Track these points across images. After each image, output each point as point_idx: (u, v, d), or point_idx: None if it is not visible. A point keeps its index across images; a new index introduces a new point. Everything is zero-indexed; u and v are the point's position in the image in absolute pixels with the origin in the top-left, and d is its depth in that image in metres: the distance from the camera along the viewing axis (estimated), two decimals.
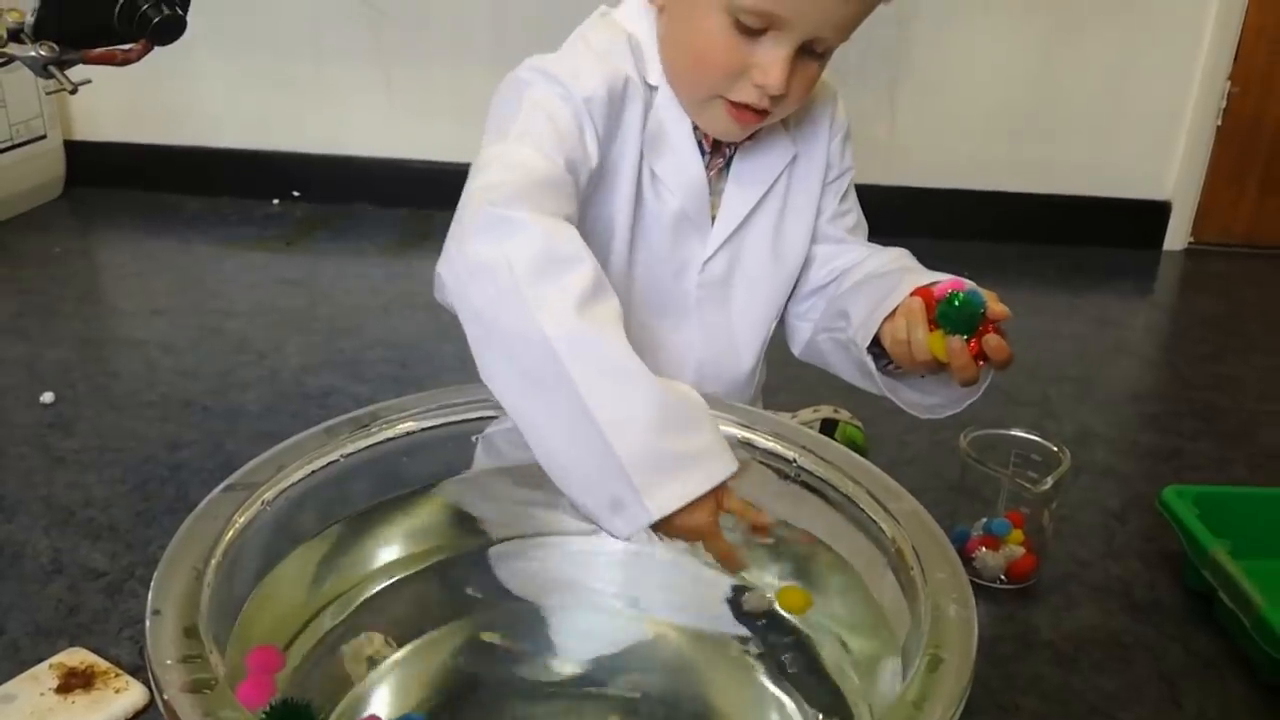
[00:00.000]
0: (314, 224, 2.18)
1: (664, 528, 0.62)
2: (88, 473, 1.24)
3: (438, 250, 0.70)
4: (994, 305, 0.77)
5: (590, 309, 0.63)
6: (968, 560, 1.10)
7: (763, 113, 0.79)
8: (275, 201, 2.29)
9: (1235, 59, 2.10)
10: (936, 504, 1.15)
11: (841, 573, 0.69)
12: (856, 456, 0.71)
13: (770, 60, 0.74)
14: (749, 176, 0.88)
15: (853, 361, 0.88)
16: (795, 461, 0.72)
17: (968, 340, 0.76)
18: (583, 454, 0.61)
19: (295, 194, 2.30)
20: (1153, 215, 2.21)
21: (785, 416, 1.27)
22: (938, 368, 0.79)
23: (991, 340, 0.75)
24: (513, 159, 0.71)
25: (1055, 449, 1.11)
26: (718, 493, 0.62)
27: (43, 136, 2.17)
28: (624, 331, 0.64)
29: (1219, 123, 2.14)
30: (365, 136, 2.26)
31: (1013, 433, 1.13)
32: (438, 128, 2.20)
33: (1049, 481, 1.06)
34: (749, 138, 0.87)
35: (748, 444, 0.74)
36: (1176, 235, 2.22)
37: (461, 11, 2.14)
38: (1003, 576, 1.09)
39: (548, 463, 0.63)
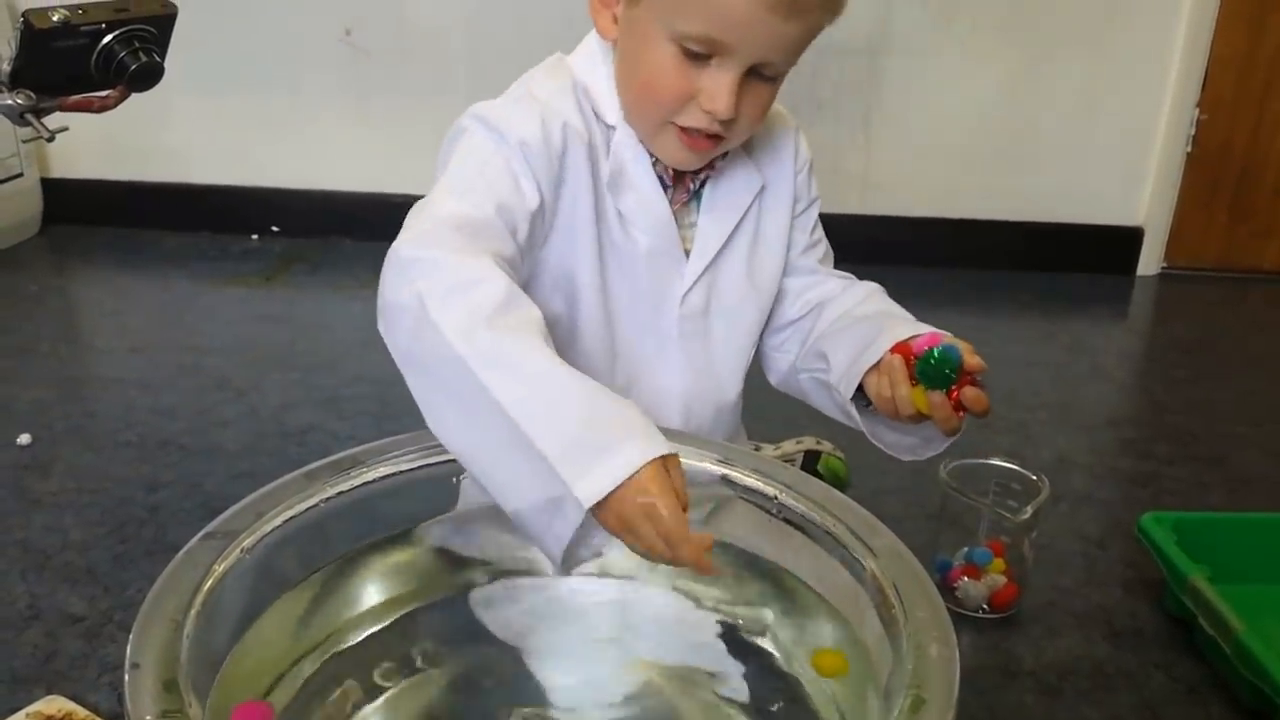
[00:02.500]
0: (292, 259, 2.18)
1: (608, 519, 0.59)
2: (65, 515, 1.23)
3: None
4: (969, 358, 0.78)
5: (499, 320, 0.63)
6: (950, 590, 1.10)
7: (715, 138, 0.80)
8: (254, 237, 2.29)
9: (1203, 87, 2.13)
10: (918, 533, 1.17)
11: (825, 611, 0.69)
12: (837, 493, 0.71)
13: (717, 85, 0.76)
14: (721, 208, 0.89)
15: (834, 402, 0.89)
16: (776, 499, 0.72)
17: (947, 393, 0.78)
18: (511, 460, 0.60)
19: (274, 229, 2.30)
20: (1125, 241, 2.24)
21: (768, 448, 1.28)
22: (921, 419, 0.80)
23: (969, 393, 0.78)
24: (435, 211, 0.73)
25: (1034, 477, 1.12)
26: (659, 470, 0.58)
27: (19, 175, 2.17)
28: (540, 335, 0.64)
29: (1189, 149, 2.17)
30: (343, 171, 2.27)
31: (992, 462, 1.14)
32: (415, 161, 2.19)
33: (1029, 510, 1.07)
34: (712, 168, 0.88)
35: (729, 481, 0.74)
36: (1149, 260, 2.25)
37: (438, 46, 2.15)
38: (985, 606, 1.09)
39: (486, 483, 0.62)
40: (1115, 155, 2.19)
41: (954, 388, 0.78)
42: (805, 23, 0.75)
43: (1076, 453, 1.46)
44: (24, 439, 1.39)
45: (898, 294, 0.94)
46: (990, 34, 2.10)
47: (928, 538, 1.16)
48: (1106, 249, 2.25)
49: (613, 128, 0.84)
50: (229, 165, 2.29)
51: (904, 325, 0.85)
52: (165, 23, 0.81)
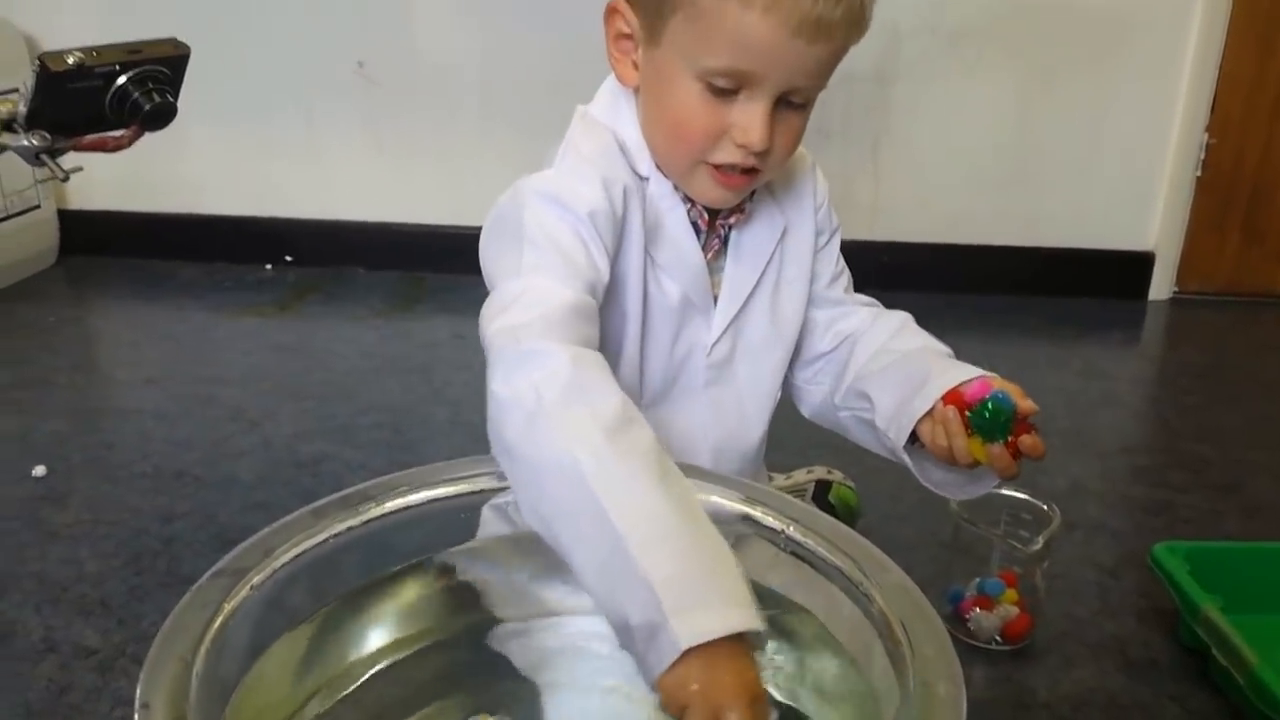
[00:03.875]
0: (306, 288, 2.19)
1: (693, 677, 0.54)
2: (80, 547, 1.24)
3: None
4: (1022, 403, 0.77)
5: (620, 437, 0.62)
6: (962, 621, 1.10)
7: (750, 171, 0.79)
8: (268, 266, 2.31)
9: (1212, 110, 2.13)
10: (930, 562, 1.17)
11: (832, 647, 0.69)
12: (844, 528, 0.71)
13: (749, 118, 0.75)
14: (747, 255, 0.88)
15: (880, 442, 0.89)
16: (784, 533, 0.72)
17: (1005, 442, 0.78)
18: (618, 580, 0.57)
19: (288, 258, 2.32)
20: (1136, 266, 2.24)
21: (779, 477, 1.28)
22: (977, 464, 0.80)
23: (1027, 441, 0.78)
24: (534, 296, 0.71)
25: (1045, 507, 1.11)
26: (747, 652, 0.56)
27: (36, 207, 2.20)
28: (657, 460, 0.62)
29: (1198, 173, 2.17)
30: (356, 200, 2.29)
31: (1003, 492, 1.14)
32: (428, 191, 2.23)
33: (1040, 541, 1.07)
34: (740, 210, 0.87)
35: (743, 517, 0.74)
36: (1161, 285, 2.24)
37: (450, 79, 2.17)
38: (998, 638, 1.09)
39: (587, 586, 0.60)
40: (1125, 179, 2.19)
41: (1011, 436, 0.78)
42: (832, 45, 0.74)
43: (1089, 480, 1.46)
44: (40, 470, 1.41)
45: (925, 330, 0.94)
46: (998, 60, 2.10)
47: (940, 567, 1.15)
48: (1117, 274, 2.25)
49: (646, 179, 0.83)
50: (243, 195, 2.31)
51: (951, 367, 0.84)
52: (179, 63, 0.82)
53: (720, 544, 0.60)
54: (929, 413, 0.81)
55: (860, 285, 1.00)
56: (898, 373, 0.87)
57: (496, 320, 0.69)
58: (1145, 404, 1.84)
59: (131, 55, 0.79)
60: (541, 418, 0.62)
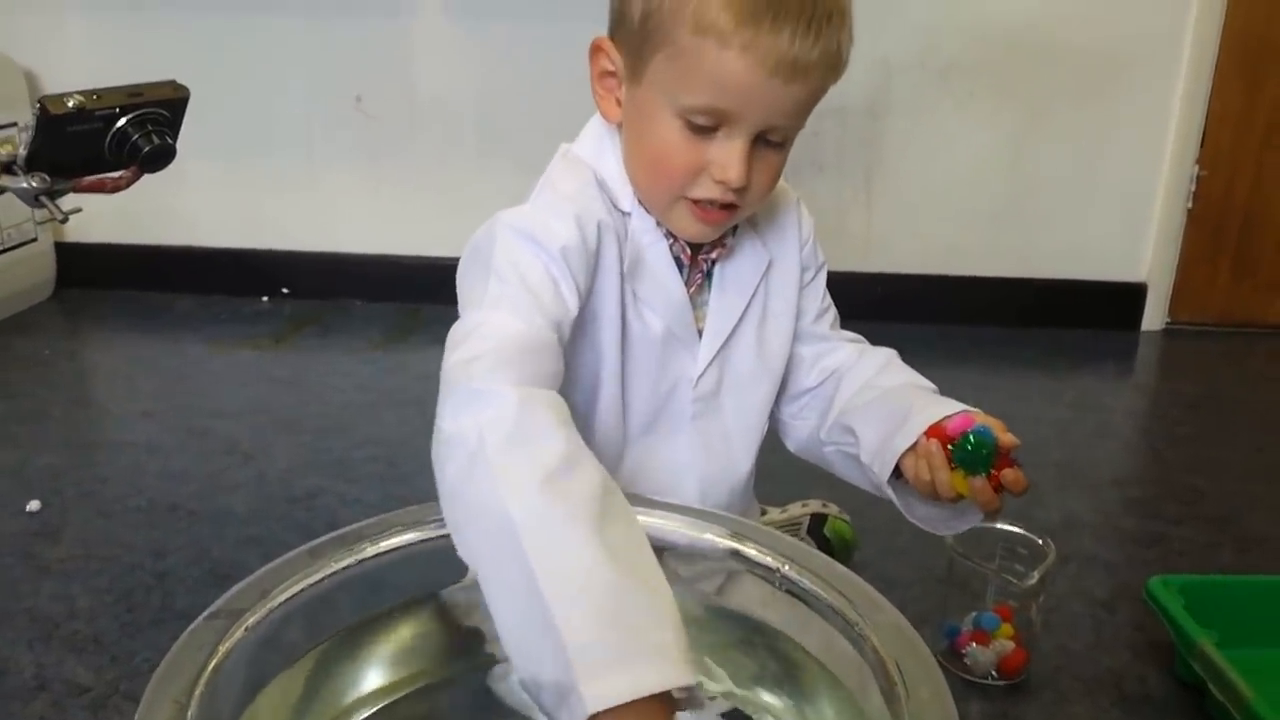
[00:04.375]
0: (303, 321, 2.20)
1: None
2: (73, 583, 1.23)
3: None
4: (1003, 436, 0.78)
5: (559, 483, 0.60)
6: (958, 656, 1.09)
7: (728, 208, 0.80)
8: (264, 299, 2.31)
9: (1202, 143, 2.15)
10: (927, 597, 1.17)
11: (829, 685, 0.69)
12: (839, 566, 0.71)
13: (727, 155, 0.76)
14: (731, 288, 0.89)
15: (865, 477, 0.89)
16: (779, 571, 0.72)
17: (987, 476, 0.78)
18: (533, 636, 0.56)
19: (284, 291, 2.33)
20: (1129, 297, 2.25)
21: (774, 510, 1.28)
22: (960, 499, 0.81)
23: (1009, 475, 0.78)
24: (489, 329, 0.71)
25: (1040, 541, 1.11)
26: (665, 711, 0.54)
27: (34, 240, 2.20)
28: (596, 505, 0.60)
29: (1189, 205, 2.19)
30: (353, 233, 2.30)
31: (998, 526, 1.14)
32: (425, 224, 2.24)
33: (1035, 576, 1.07)
34: (722, 245, 0.88)
35: (736, 554, 0.74)
36: (1154, 316, 2.26)
37: (447, 114, 2.19)
38: (994, 673, 1.08)
39: (504, 638, 0.59)
40: (1117, 211, 2.20)
41: (993, 470, 0.78)
42: (809, 85, 0.75)
43: (1084, 512, 1.46)
44: (34, 505, 1.40)
45: (903, 352, 0.95)
46: (989, 94, 2.12)
47: (936, 602, 1.15)
48: (1110, 305, 2.26)
49: (628, 214, 0.84)
50: (240, 228, 2.32)
51: (934, 402, 0.85)
52: (178, 106, 0.83)
53: (655, 596, 0.58)
54: (912, 447, 0.82)
55: (854, 316, 1.01)
56: (882, 408, 0.87)
57: (453, 353, 0.69)
58: (1139, 435, 1.84)
59: (132, 98, 0.79)
60: (482, 461, 0.61)
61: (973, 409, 0.82)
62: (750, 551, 0.73)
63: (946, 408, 0.83)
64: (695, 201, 0.80)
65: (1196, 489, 1.54)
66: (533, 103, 2.10)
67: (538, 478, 0.60)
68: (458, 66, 2.17)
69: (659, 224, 0.85)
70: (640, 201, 0.84)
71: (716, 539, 0.75)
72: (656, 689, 0.53)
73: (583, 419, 0.85)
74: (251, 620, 0.63)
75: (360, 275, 2.30)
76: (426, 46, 2.17)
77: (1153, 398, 2.03)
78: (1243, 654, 1.01)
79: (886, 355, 0.95)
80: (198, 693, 0.57)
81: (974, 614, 1.10)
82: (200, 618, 0.62)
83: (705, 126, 0.76)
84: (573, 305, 0.77)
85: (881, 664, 0.62)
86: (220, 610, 0.63)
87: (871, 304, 2.29)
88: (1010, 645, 1.08)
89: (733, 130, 0.76)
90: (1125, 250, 2.23)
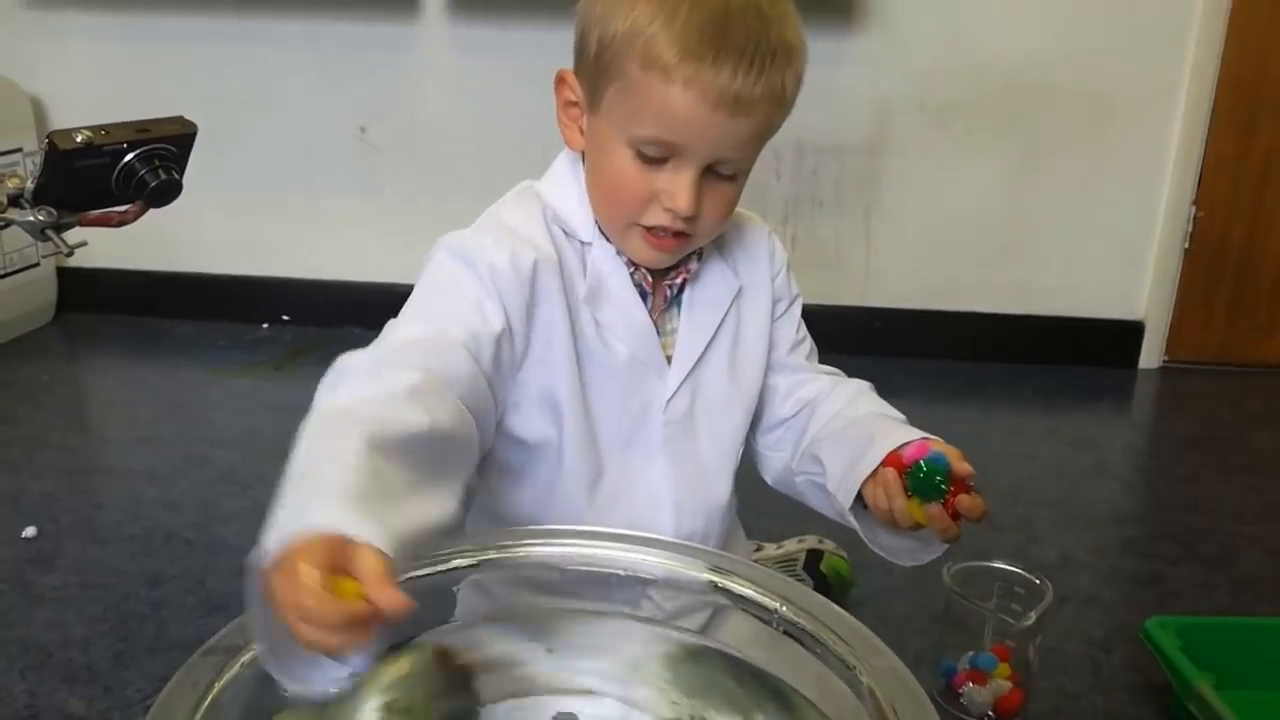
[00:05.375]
0: (302, 348, 2.20)
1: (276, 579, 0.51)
2: (67, 610, 1.23)
3: None
4: (958, 466, 0.79)
5: (363, 409, 0.63)
6: (955, 695, 1.09)
7: (680, 235, 0.82)
8: (265, 326, 2.32)
9: (1199, 183, 2.17)
10: (923, 635, 1.17)
11: None
12: (837, 609, 0.71)
13: (675, 185, 0.78)
14: (700, 313, 0.91)
15: (832, 507, 0.90)
16: (777, 612, 0.72)
17: (943, 503, 0.78)
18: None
19: (284, 318, 2.33)
20: (1126, 335, 2.26)
21: (770, 547, 1.28)
22: (919, 527, 0.81)
23: (964, 501, 0.78)
24: (394, 334, 0.76)
25: (1038, 581, 1.11)
26: (332, 543, 0.51)
27: (35, 264, 2.21)
28: (373, 435, 0.60)
29: (1186, 245, 2.20)
30: (354, 262, 2.31)
31: (996, 565, 1.14)
32: (425, 253, 2.24)
33: (1033, 616, 1.07)
34: (687, 270, 0.89)
35: (728, 592, 0.75)
36: (1151, 354, 2.26)
37: (447, 145, 2.21)
38: (990, 713, 1.08)
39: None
40: (1114, 250, 2.22)
41: (949, 497, 0.78)
42: (753, 120, 0.77)
43: (1081, 552, 1.46)
44: (30, 532, 1.40)
45: (899, 387, 0.96)
46: (987, 134, 2.14)
47: (932, 641, 1.15)
48: (1107, 343, 2.27)
49: (588, 244, 0.86)
50: (241, 255, 2.33)
51: (896, 430, 0.85)
52: (185, 141, 0.84)
53: (374, 478, 0.58)
54: (873, 475, 0.83)
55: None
56: (847, 436, 0.88)
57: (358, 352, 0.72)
58: (1136, 474, 1.84)
59: (139, 134, 0.80)
60: (324, 400, 0.66)
61: (932, 437, 0.83)
62: (750, 593, 0.73)
63: (908, 435, 0.84)
64: (648, 229, 0.82)
65: (1193, 529, 1.54)
66: (533, 135, 2.11)
67: (348, 403, 0.65)
68: (460, 98, 2.19)
69: (619, 252, 0.86)
70: (601, 230, 0.86)
71: (717, 579, 0.75)
72: (314, 526, 0.52)
73: (554, 451, 0.86)
74: (247, 657, 0.63)
75: (360, 303, 2.30)
76: (429, 77, 2.19)
77: (1149, 436, 2.03)
78: (1240, 695, 1.01)
79: (859, 386, 0.96)
80: None
81: (971, 653, 1.10)
82: (196, 653, 0.62)
83: (655, 157, 0.78)
84: (495, 321, 0.79)
85: (879, 709, 0.62)
86: (216, 646, 0.63)
87: (869, 339, 2.32)
88: (1007, 685, 1.08)
89: (681, 161, 0.78)
90: (1122, 289, 2.24)
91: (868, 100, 2.11)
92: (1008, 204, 2.19)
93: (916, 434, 0.84)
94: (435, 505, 0.63)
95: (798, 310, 0.98)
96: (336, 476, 0.57)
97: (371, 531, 0.53)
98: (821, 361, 1.00)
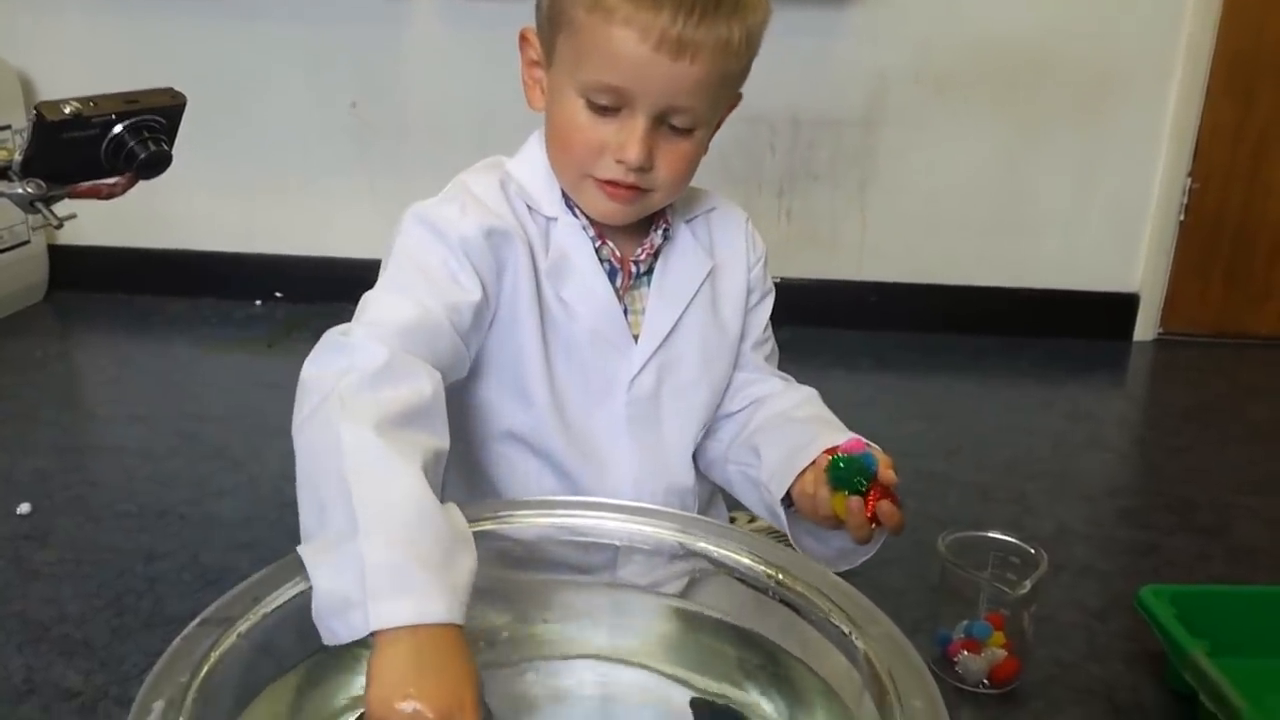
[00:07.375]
0: (294, 325, 2.19)
1: (381, 655, 0.57)
2: (63, 586, 1.23)
3: None
4: (883, 471, 0.78)
5: (394, 429, 0.64)
6: (950, 664, 1.10)
7: (633, 188, 0.81)
8: (257, 303, 2.31)
9: (1194, 156, 2.17)
10: (919, 605, 1.17)
11: (824, 694, 0.69)
12: (833, 576, 0.71)
13: (625, 136, 0.78)
14: (670, 291, 0.90)
15: (760, 499, 0.90)
16: (775, 578, 0.72)
17: (864, 501, 0.78)
18: (333, 545, 0.60)
19: (277, 295, 2.32)
20: (1122, 307, 2.26)
21: (743, 516, 1.27)
22: (838, 525, 0.81)
23: (883, 507, 0.79)
24: (380, 311, 0.75)
25: (1033, 550, 1.11)
26: (452, 642, 0.58)
27: (26, 242, 2.20)
28: (422, 461, 0.64)
29: (1182, 217, 2.20)
30: (347, 237, 2.29)
31: (991, 534, 1.14)
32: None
33: (1028, 585, 1.07)
34: (648, 244, 0.89)
35: (730, 564, 0.75)
36: (1146, 326, 2.27)
37: (443, 121, 2.19)
38: (985, 681, 1.08)
39: (303, 550, 0.63)
40: (1110, 223, 2.22)
41: (870, 497, 0.78)
42: (698, 66, 0.76)
43: (1076, 523, 1.46)
44: (24, 508, 1.40)
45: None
46: (983, 106, 2.14)
47: (928, 610, 1.15)
48: (1103, 315, 2.27)
49: (553, 219, 0.86)
50: (233, 231, 2.32)
51: (838, 433, 0.86)
52: (175, 113, 0.83)
53: (459, 539, 0.62)
54: (805, 471, 0.83)
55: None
56: (788, 433, 0.88)
57: (338, 327, 0.73)
58: (1131, 445, 1.85)
59: (128, 105, 0.79)
60: (334, 399, 0.65)
61: (872, 444, 0.83)
62: (748, 561, 0.73)
63: (848, 437, 0.84)
64: (603, 181, 0.81)
65: (1188, 499, 1.55)
66: (526, 110, 2.10)
67: (376, 417, 0.64)
68: (452, 73, 2.17)
69: (584, 227, 0.86)
70: (566, 201, 0.86)
71: (711, 548, 0.75)
72: (436, 620, 0.57)
73: (523, 425, 0.86)
74: (244, 627, 0.63)
75: (353, 279, 2.27)
76: (422, 51, 2.17)
77: (1144, 408, 2.04)
78: (1234, 663, 1.01)
79: (808, 393, 0.96)
80: (189, 700, 0.56)
81: (966, 622, 1.11)
82: (192, 624, 0.62)
83: (606, 106, 0.78)
84: (472, 290, 0.79)
85: (875, 675, 0.62)
86: (212, 617, 0.62)
87: (865, 312, 2.31)
88: (1002, 654, 1.09)
89: (632, 110, 0.78)
90: (1118, 261, 2.24)
91: (863, 73, 2.10)
92: (1003, 177, 2.18)
93: (857, 437, 0.84)
94: (465, 543, 0.64)
95: (768, 307, 0.98)
96: (418, 541, 0.60)
97: (458, 614, 0.59)
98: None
